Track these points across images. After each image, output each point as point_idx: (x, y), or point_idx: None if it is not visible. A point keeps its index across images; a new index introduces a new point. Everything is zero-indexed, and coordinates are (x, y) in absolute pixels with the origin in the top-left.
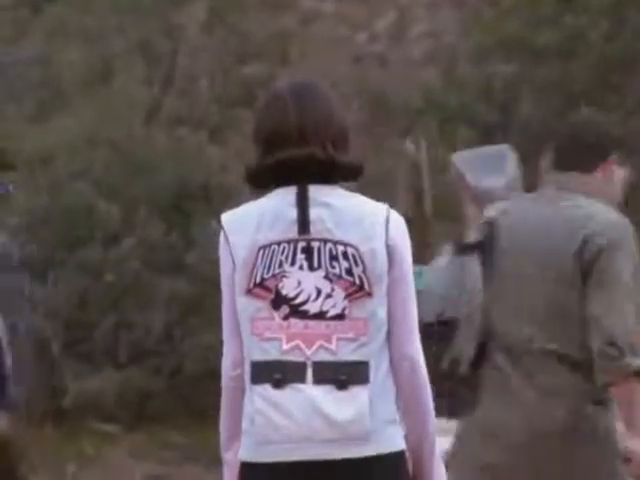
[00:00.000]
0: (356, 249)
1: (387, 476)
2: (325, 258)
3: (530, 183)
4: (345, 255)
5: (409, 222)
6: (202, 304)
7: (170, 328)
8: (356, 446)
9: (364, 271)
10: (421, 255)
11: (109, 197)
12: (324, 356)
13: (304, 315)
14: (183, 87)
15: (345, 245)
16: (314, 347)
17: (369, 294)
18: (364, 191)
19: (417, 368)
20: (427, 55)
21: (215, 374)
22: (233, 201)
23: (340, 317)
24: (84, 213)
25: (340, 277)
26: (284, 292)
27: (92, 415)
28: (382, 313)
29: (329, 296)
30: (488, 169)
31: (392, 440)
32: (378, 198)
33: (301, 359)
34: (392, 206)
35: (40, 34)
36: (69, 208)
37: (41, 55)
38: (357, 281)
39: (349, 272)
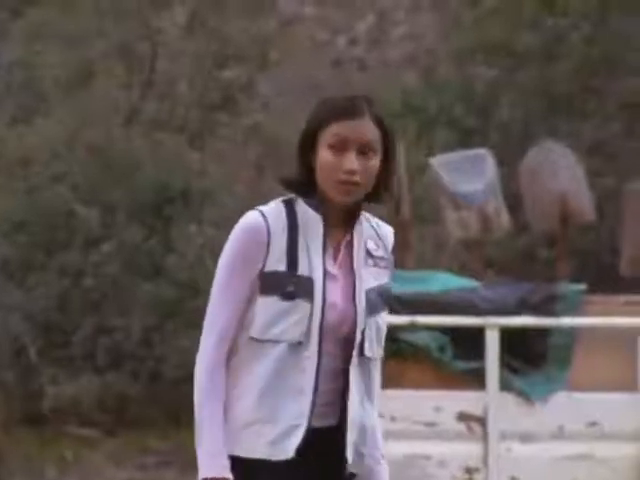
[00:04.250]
0: None
1: None
2: None
3: (509, 186)
4: None
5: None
6: (181, 308)
7: (149, 332)
8: None
9: None
10: (402, 258)
11: (88, 201)
12: None
13: None
14: (163, 91)
15: None
16: None
17: None
18: None
19: None
20: (407, 58)
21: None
22: (212, 205)
23: None
24: (63, 217)
25: None
26: None
27: (71, 420)
28: None
29: None
30: (467, 173)
31: None
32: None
33: None
34: (373, 209)
35: (20, 37)
36: (48, 212)
37: (21, 58)
38: None
39: None
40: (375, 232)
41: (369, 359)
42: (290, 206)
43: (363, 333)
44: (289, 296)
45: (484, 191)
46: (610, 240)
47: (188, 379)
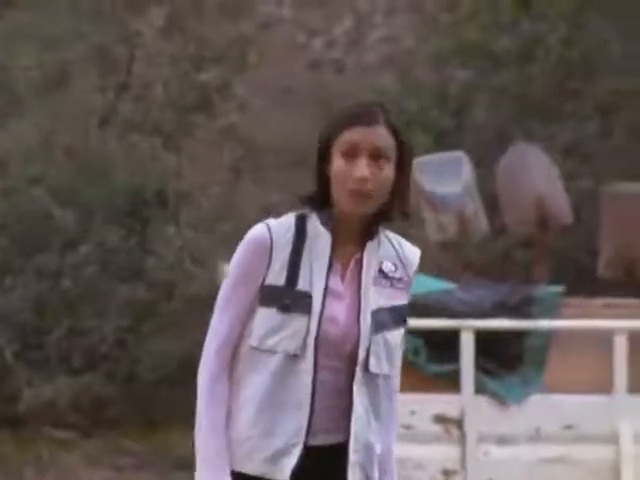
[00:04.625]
0: None
1: None
2: None
3: (485, 188)
4: None
5: None
6: (158, 310)
7: (125, 334)
8: None
9: None
10: None
11: (65, 203)
12: None
13: None
14: (138, 93)
15: None
16: None
17: None
18: None
19: None
20: (384, 60)
21: (169, 380)
22: (189, 207)
23: None
24: (40, 219)
25: None
26: None
27: (47, 421)
28: None
29: None
30: (444, 175)
31: None
32: None
33: None
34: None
35: None
36: (25, 214)
37: None
38: None
39: None
40: (396, 252)
41: (376, 376)
42: (301, 220)
43: (368, 350)
44: (285, 309)
45: (461, 193)
46: (587, 242)
47: (163, 381)
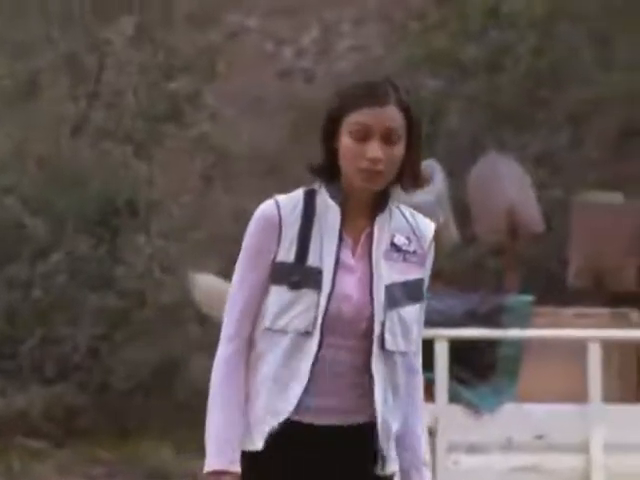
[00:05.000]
0: None
1: None
2: None
3: (456, 197)
4: None
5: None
6: (129, 319)
7: (97, 343)
8: None
9: None
10: None
11: (36, 212)
12: None
13: None
14: (109, 101)
15: None
16: None
17: None
18: None
19: None
20: (354, 69)
21: (142, 389)
22: (159, 215)
23: None
24: (12, 228)
25: None
26: None
27: (20, 431)
28: None
29: None
30: None
31: None
32: None
33: None
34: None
35: None
36: None
37: None
38: None
39: None
40: (409, 225)
41: (392, 353)
42: (310, 195)
43: (383, 325)
44: (295, 285)
45: (433, 202)
46: (558, 251)
47: (136, 390)
